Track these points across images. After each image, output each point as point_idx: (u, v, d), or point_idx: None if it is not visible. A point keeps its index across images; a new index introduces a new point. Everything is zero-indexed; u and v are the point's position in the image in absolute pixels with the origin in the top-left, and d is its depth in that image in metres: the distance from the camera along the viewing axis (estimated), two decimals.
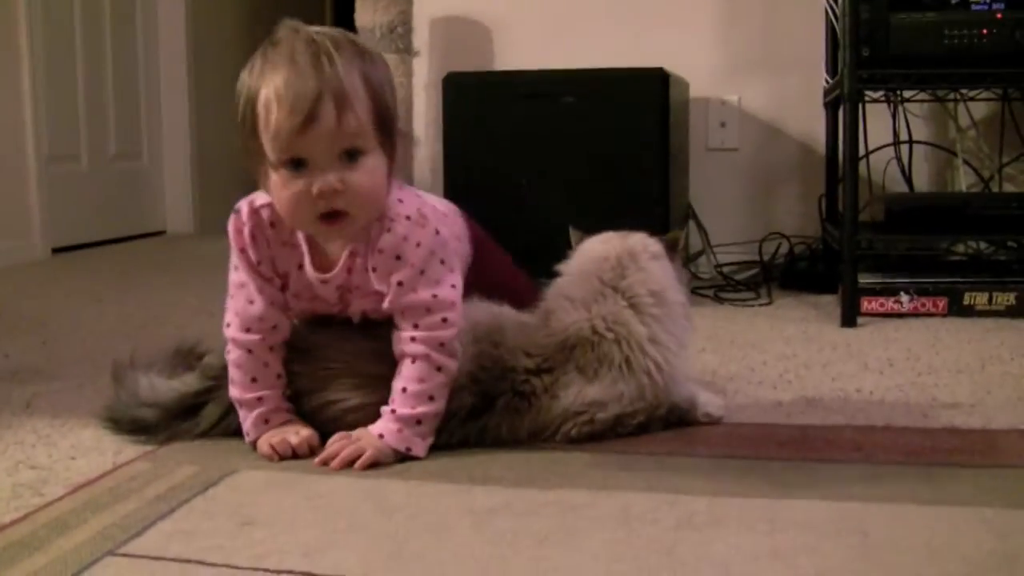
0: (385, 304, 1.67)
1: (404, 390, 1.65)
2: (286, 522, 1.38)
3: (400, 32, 3.69)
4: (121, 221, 5.19)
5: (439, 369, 1.66)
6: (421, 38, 3.91)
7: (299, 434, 1.68)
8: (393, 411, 1.65)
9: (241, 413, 1.72)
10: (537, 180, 3.13)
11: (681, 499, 1.45)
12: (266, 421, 1.70)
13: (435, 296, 1.66)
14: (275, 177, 1.60)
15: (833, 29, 3.45)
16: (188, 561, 1.25)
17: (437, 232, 1.69)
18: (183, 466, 1.60)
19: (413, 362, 1.65)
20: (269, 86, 1.57)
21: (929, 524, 1.34)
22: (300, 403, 1.73)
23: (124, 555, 1.27)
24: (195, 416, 1.76)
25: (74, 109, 4.86)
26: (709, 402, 1.84)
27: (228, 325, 1.73)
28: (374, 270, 1.66)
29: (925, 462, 1.60)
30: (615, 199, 3.06)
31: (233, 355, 1.72)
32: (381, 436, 1.63)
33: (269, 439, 1.68)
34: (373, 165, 1.61)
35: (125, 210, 5.26)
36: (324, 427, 1.70)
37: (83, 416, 1.89)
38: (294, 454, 1.66)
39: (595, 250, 1.87)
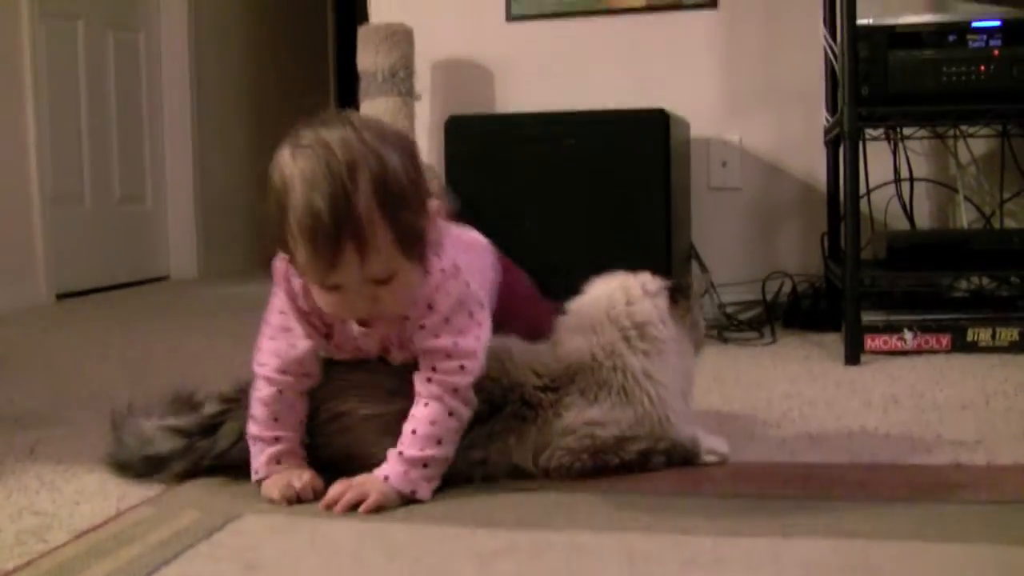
0: (420, 355, 1.69)
1: (414, 432, 1.65)
2: (290, 566, 1.38)
3: (402, 76, 3.70)
4: (125, 266, 5.21)
5: (451, 414, 1.66)
6: (423, 81, 3.93)
7: (302, 478, 1.68)
8: (400, 453, 1.64)
9: (254, 450, 1.72)
10: (540, 221, 3.13)
11: (685, 539, 1.44)
12: (278, 461, 1.70)
13: (456, 344, 1.67)
14: (310, 282, 1.65)
15: (832, 68, 3.47)
16: None
17: (468, 284, 1.71)
18: (187, 511, 1.60)
19: (426, 405, 1.66)
20: (295, 210, 1.56)
21: (935, 561, 1.34)
22: (316, 414, 1.74)
23: None
24: (212, 435, 1.77)
25: (78, 153, 4.89)
26: (714, 443, 1.84)
27: (263, 364, 1.74)
28: (406, 319, 1.68)
29: (930, 499, 1.59)
30: (617, 239, 3.07)
31: (261, 392, 1.73)
32: (386, 478, 1.63)
33: (276, 482, 1.67)
34: (404, 279, 1.63)
35: (129, 255, 5.28)
36: (338, 437, 1.72)
37: (87, 462, 1.89)
38: (298, 499, 1.65)
39: (600, 286, 1.90)
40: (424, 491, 1.64)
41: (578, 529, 1.50)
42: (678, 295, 1.88)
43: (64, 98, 4.76)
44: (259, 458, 1.71)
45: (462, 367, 1.67)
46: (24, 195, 4.39)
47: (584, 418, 1.74)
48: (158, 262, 5.54)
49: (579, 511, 1.59)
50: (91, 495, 1.71)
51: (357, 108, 3.82)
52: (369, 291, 1.60)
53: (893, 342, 2.89)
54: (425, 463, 1.64)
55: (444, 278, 1.68)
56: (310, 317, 1.73)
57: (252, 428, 1.73)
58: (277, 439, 1.71)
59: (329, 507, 1.61)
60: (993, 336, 2.86)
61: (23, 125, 4.39)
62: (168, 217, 5.61)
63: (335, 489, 1.63)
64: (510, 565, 1.36)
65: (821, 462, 1.83)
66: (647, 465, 1.76)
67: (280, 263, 1.72)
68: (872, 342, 2.89)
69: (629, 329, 1.80)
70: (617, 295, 1.85)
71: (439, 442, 1.65)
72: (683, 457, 1.79)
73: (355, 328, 1.71)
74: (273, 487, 1.67)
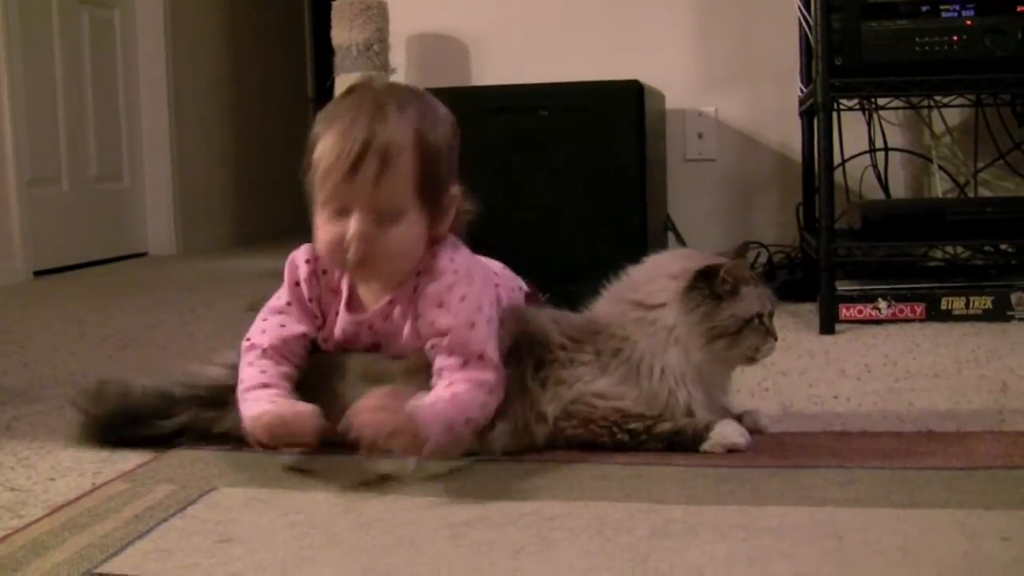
0: (430, 350, 1.69)
1: (455, 395, 1.62)
2: (264, 539, 1.39)
3: (376, 50, 3.70)
4: (102, 243, 5.20)
5: (480, 402, 1.64)
6: (398, 56, 3.92)
7: (295, 409, 1.64)
8: (453, 393, 1.62)
9: (244, 405, 1.69)
10: (514, 194, 3.14)
11: (656, 508, 1.45)
12: (265, 385, 1.70)
13: (481, 356, 1.66)
14: (319, 217, 1.68)
15: (807, 39, 3.47)
16: None
17: (483, 292, 1.71)
18: (161, 485, 1.60)
19: (460, 386, 1.64)
20: (328, 134, 1.64)
21: (903, 527, 1.35)
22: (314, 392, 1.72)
23: (102, 574, 1.27)
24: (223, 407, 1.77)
25: (55, 132, 4.87)
26: (729, 433, 1.73)
27: (249, 339, 1.77)
28: (416, 318, 1.70)
29: (900, 466, 1.61)
30: (593, 211, 3.08)
31: (248, 358, 1.74)
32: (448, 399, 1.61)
33: (264, 418, 1.63)
34: (407, 227, 1.66)
35: (106, 232, 5.26)
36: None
37: (62, 438, 1.89)
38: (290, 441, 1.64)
39: (650, 259, 1.86)
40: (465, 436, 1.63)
41: (549, 499, 1.51)
42: (709, 278, 1.74)
43: (39, 76, 4.74)
44: (248, 403, 1.68)
45: (486, 368, 1.66)
46: (0, 173, 4.38)
47: (591, 389, 1.72)
48: (136, 239, 5.53)
49: (551, 481, 1.60)
50: (66, 471, 1.71)
51: (332, 83, 3.81)
52: (370, 227, 1.63)
53: (868, 311, 2.91)
54: (468, 418, 1.63)
55: (457, 279, 1.69)
56: (311, 304, 1.77)
57: (240, 386, 1.72)
58: (265, 385, 1.70)
59: (354, 445, 1.54)
60: (967, 304, 2.88)
61: None
62: (146, 194, 5.60)
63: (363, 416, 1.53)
64: (481, 535, 1.37)
65: (793, 431, 1.85)
66: (641, 447, 1.71)
67: (292, 257, 1.79)
68: (847, 311, 2.91)
69: (644, 309, 1.76)
70: (646, 272, 1.82)
71: (468, 420, 1.63)
72: (683, 445, 1.71)
73: (344, 313, 1.75)
74: (259, 423, 1.63)
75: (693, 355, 1.72)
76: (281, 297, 1.80)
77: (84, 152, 5.09)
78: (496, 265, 1.93)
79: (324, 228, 1.67)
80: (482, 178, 3.15)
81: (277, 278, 1.83)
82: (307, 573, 1.26)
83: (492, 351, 1.68)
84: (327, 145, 1.63)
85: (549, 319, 1.79)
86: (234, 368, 1.78)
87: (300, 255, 1.79)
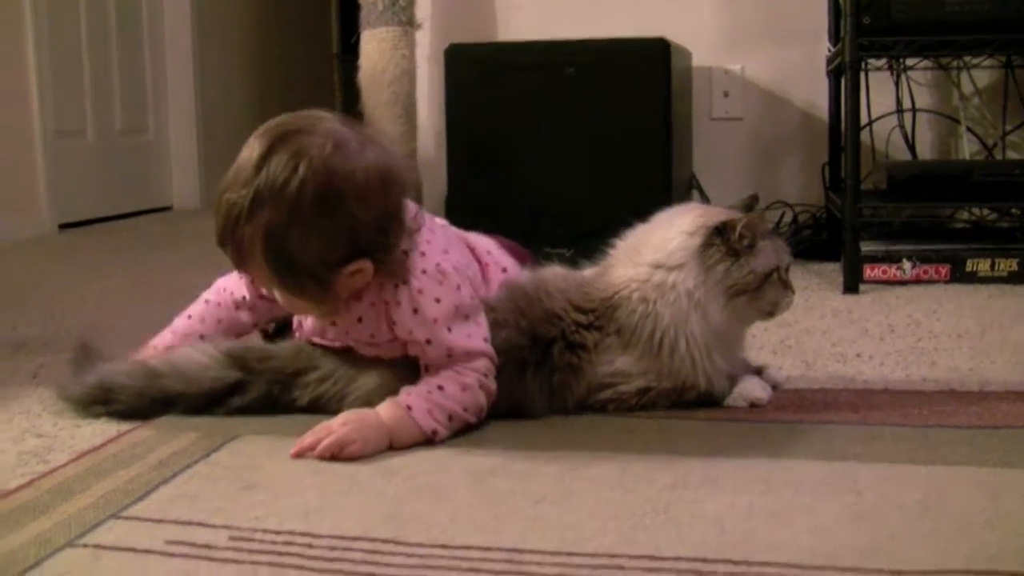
0: (422, 359, 1.64)
1: (441, 388, 1.58)
2: (287, 485, 1.40)
3: (402, 4, 3.69)
4: (127, 196, 5.21)
5: (476, 391, 1.60)
6: (423, 10, 3.91)
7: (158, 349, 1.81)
8: (429, 392, 1.58)
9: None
10: (539, 150, 3.13)
11: (677, 460, 1.46)
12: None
13: (468, 352, 1.61)
14: None
15: None
16: (189, 523, 1.26)
17: (459, 288, 1.63)
18: (185, 432, 1.61)
19: (453, 377, 1.61)
20: (222, 182, 1.59)
21: (923, 483, 1.36)
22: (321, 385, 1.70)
23: (127, 518, 1.29)
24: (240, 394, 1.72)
25: (80, 84, 4.86)
26: (750, 388, 1.74)
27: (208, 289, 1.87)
28: (393, 324, 1.62)
29: (921, 424, 1.61)
30: (617, 168, 3.07)
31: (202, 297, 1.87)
32: (409, 409, 1.55)
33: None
34: (310, 298, 1.60)
35: (131, 185, 5.27)
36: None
37: None
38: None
39: (660, 215, 1.81)
40: (443, 434, 1.57)
41: (571, 450, 1.52)
42: (725, 234, 1.70)
43: (64, 28, 4.74)
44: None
45: (474, 360, 1.62)
46: (26, 127, 4.38)
47: (613, 369, 1.70)
48: (161, 192, 5.54)
49: (573, 433, 1.61)
50: (91, 416, 1.72)
51: (357, 38, 3.80)
52: (271, 293, 1.65)
53: (892, 272, 2.90)
54: (451, 415, 1.58)
55: (427, 281, 1.61)
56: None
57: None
58: (189, 316, 1.85)
59: (301, 455, 1.51)
60: (992, 267, 2.86)
61: (23, 57, 4.36)
62: (171, 147, 5.60)
63: (312, 435, 1.52)
64: (503, 483, 1.38)
65: (815, 388, 1.85)
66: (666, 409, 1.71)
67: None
68: (871, 272, 2.90)
69: (664, 271, 1.70)
70: (659, 230, 1.76)
71: (465, 409, 1.59)
72: (708, 404, 1.72)
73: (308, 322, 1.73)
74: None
75: (713, 316, 1.68)
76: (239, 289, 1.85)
77: (109, 104, 5.09)
78: (489, 243, 1.85)
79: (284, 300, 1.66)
80: (507, 135, 3.18)
81: None
82: (329, 519, 1.27)
83: (477, 342, 1.63)
84: (221, 185, 1.58)
85: (563, 295, 1.72)
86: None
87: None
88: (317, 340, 1.73)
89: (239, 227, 1.52)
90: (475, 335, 1.63)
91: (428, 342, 1.61)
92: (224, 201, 1.54)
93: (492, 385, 1.63)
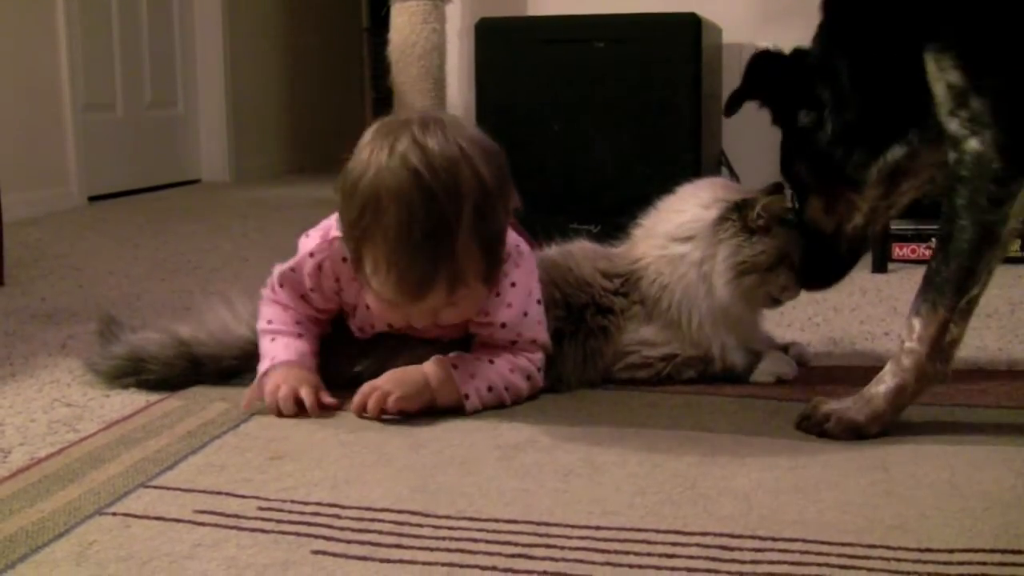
0: (485, 339, 1.64)
1: (491, 362, 1.60)
2: (315, 457, 1.41)
3: None
4: (156, 169, 5.22)
5: (526, 378, 1.62)
6: None
7: (311, 383, 1.60)
8: (477, 358, 1.60)
9: (269, 344, 1.65)
10: (569, 125, 3.12)
11: (705, 436, 1.46)
12: (297, 358, 1.63)
13: (534, 341, 1.63)
14: (371, 289, 1.55)
15: None
16: (218, 493, 1.27)
17: (533, 271, 1.64)
18: (215, 403, 1.62)
19: (508, 358, 1.62)
20: (387, 230, 1.47)
21: (950, 461, 1.35)
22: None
23: (156, 487, 1.29)
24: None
25: (110, 58, 4.88)
26: (776, 365, 1.76)
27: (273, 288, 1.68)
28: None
29: (949, 403, 1.60)
30: (646, 144, 3.06)
31: (268, 296, 1.69)
32: (455, 367, 1.57)
33: (281, 381, 1.58)
34: (473, 300, 1.57)
35: (160, 158, 5.29)
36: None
37: None
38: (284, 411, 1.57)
39: (682, 189, 1.82)
40: (474, 401, 1.58)
41: (599, 425, 1.52)
42: (743, 210, 1.72)
43: (94, 3, 4.74)
44: (277, 348, 1.63)
45: (534, 354, 1.63)
46: (56, 100, 4.40)
47: (639, 337, 1.72)
48: (190, 165, 5.55)
49: (601, 408, 1.61)
50: (121, 388, 1.73)
51: (387, 11, 3.79)
52: (437, 315, 1.56)
53: (921, 251, 2.88)
54: (491, 386, 1.59)
55: (508, 265, 1.60)
56: (312, 295, 1.66)
57: (269, 325, 1.66)
58: (300, 335, 1.66)
59: (360, 412, 1.54)
60: (1022, 246, 2.84)
61: (54, 31, 4.37)
62: (200, 121, 5.61)
63: (359, 395, 1.55)
64: (531, 457, 1.38)
65: (842, 365, 1.84)
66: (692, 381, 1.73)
67: (303, 241, 1.67)
68: (900, 251, 2.88)
69: (675, 242, 1.72)
70: (677, 203, 1.78)
71: (506, 388, 1.60)
72: (734, 379, 1.74)
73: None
74: (275, 390, 1.58)
75: (719, 291, 1.69)
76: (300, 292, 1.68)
77: (139, 78, 5.10)
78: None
79: (377, 301, 1.56)
80: (536, 109, 3.17)
81: (329, 206, 1.65)
82: (357, 490, 1.28)
83: (542, 334, 1.64)
84: (378, 255, 1.48)
85: (591, 263, 1.75)
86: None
87: (307, 244, 1.67)
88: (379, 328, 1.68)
89: (452, 241, 1.46)
90: (544, 323, 1.64)
91: (503, 325, 1.61)
92: (414, 239, 1.45)
93: (540, 380, 1.64)
